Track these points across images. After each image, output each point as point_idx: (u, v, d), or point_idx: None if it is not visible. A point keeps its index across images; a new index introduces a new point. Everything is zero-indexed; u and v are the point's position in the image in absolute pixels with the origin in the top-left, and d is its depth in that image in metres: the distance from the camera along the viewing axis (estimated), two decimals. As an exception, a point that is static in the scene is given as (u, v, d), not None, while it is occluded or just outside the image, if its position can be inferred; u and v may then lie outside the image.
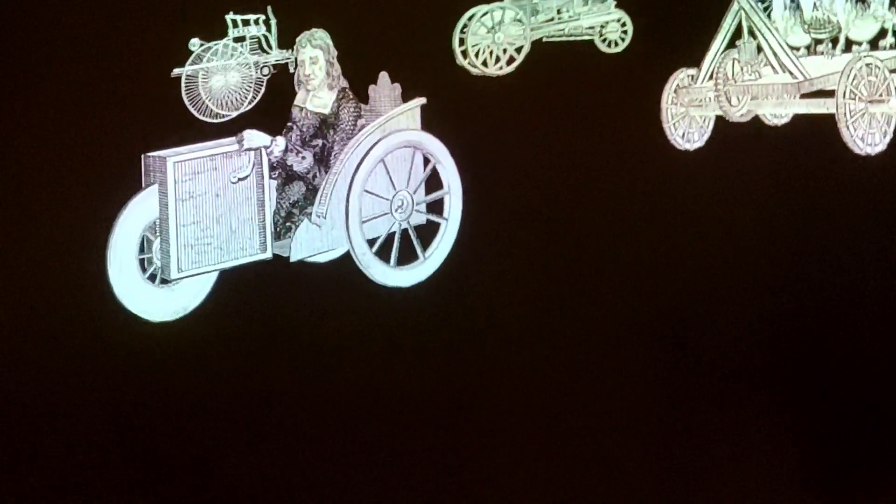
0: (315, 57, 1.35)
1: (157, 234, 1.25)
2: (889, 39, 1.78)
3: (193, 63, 1.29)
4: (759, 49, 1.72)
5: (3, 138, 1.14)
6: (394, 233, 1.40)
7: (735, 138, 1.62)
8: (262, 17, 1.34)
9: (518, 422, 1.50)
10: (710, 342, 1.61)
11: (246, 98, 1.33)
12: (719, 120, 1.65)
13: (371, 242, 1.38)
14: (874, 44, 1.75)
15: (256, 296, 1.31)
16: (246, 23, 1.33)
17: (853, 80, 1.66)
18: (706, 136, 1.64)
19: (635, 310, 1.56)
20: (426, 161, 1.42)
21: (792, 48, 1.72)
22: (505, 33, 1.51)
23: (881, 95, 1.67)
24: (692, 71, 1.65)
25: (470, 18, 1.46)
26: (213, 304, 1.28)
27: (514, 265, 1.49)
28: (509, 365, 1.49)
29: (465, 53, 1.48)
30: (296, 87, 1.38)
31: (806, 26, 1.76)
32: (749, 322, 1.64)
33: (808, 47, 1.74)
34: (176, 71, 1.26)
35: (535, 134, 1.49)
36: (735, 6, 1.73)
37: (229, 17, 1.31)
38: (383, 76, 1.42)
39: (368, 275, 1.38)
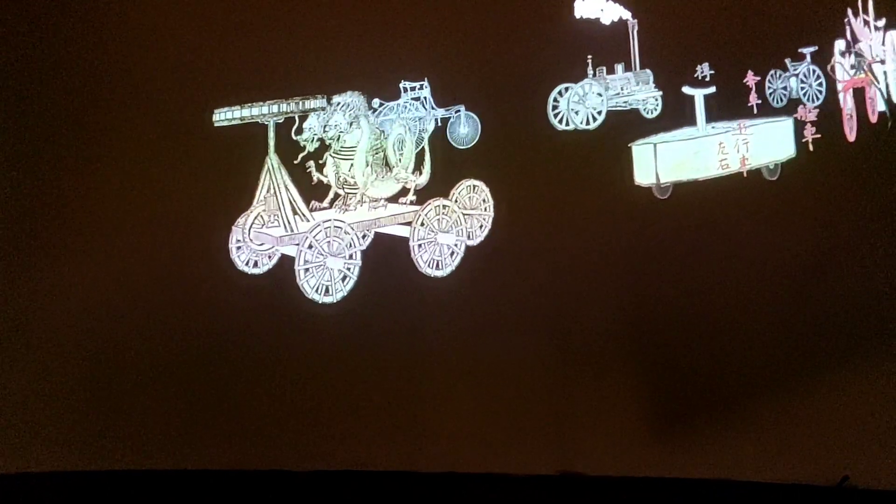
0: None
1: None
2: (411, 196, 2.00)
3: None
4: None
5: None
6: None
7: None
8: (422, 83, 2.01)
9: None
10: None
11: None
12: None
13: None
14: (394, 199, 2.02)
15: None
16: (414, 88, 2.02)
17: (314, 236, 1.98)
18: (271, 264, 2.02)
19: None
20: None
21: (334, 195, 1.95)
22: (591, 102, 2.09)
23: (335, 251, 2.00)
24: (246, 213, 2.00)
25: (560, 93, 2.05)
26: None
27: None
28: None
29: (557, 114, 2.06)
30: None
31: (341, 183, 1.96)
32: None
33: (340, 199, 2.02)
34: None
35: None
36: (267, 163, 1.92)
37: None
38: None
39: None
